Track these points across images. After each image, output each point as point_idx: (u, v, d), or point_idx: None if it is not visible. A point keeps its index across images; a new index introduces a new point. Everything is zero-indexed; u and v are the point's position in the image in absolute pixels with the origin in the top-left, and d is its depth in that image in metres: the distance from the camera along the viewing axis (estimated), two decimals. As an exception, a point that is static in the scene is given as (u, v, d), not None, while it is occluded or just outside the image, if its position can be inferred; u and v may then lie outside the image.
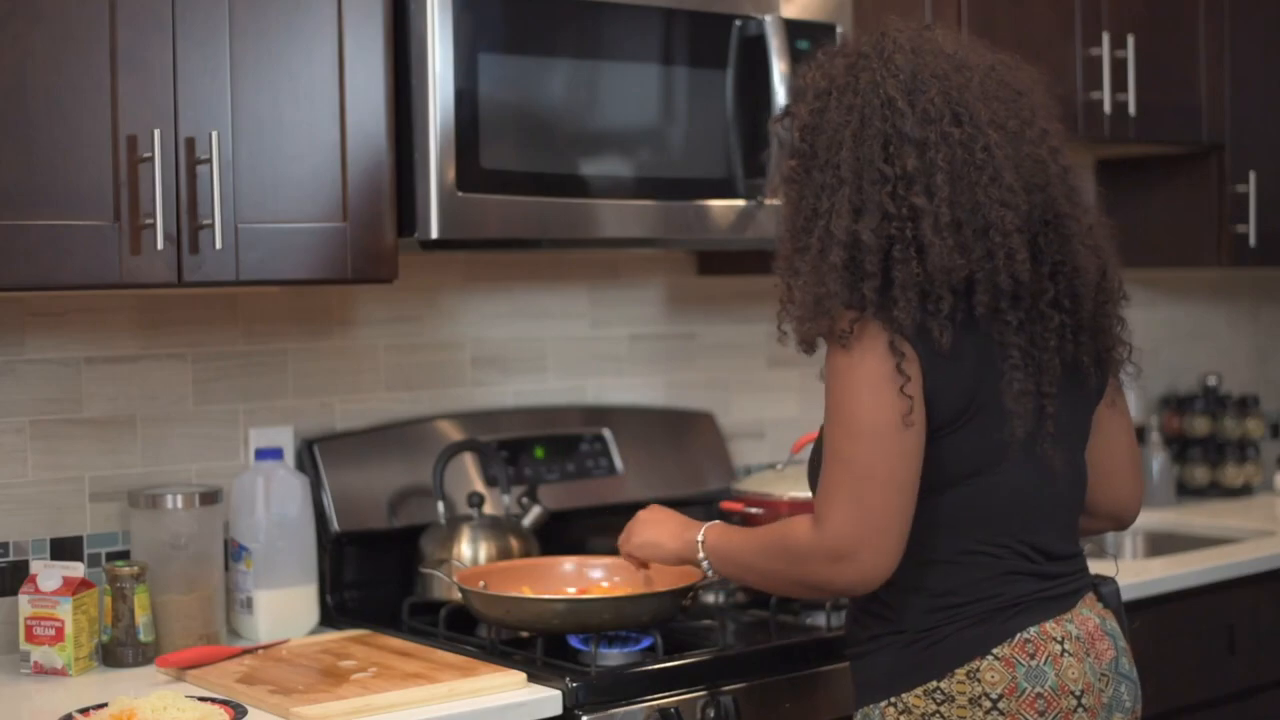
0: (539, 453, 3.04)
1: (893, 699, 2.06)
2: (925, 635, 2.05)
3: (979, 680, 2.02)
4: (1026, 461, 2.05)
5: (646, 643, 2.52)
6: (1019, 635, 2.04)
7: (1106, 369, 2.15)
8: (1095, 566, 2.24)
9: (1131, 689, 2.14)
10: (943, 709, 2.02)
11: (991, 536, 2.06)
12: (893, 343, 1.98)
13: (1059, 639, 2.05)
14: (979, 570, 2.05)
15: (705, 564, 2.25)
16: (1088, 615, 2.11)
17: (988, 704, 2.01)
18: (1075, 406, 2.12)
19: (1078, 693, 2.04)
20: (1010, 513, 2.07)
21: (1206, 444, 4.09)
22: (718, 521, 2.28)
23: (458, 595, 2.58)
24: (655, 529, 2.36)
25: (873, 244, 1.98)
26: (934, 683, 2.03)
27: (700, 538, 2.25)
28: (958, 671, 2.03)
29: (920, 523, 2.01)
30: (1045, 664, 2.03)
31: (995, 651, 2.03)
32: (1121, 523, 2.31)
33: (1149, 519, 3.77)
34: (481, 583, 2.57)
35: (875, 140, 2.00)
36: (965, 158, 1.99)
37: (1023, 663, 2.03)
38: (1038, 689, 2.02)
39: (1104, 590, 2.20)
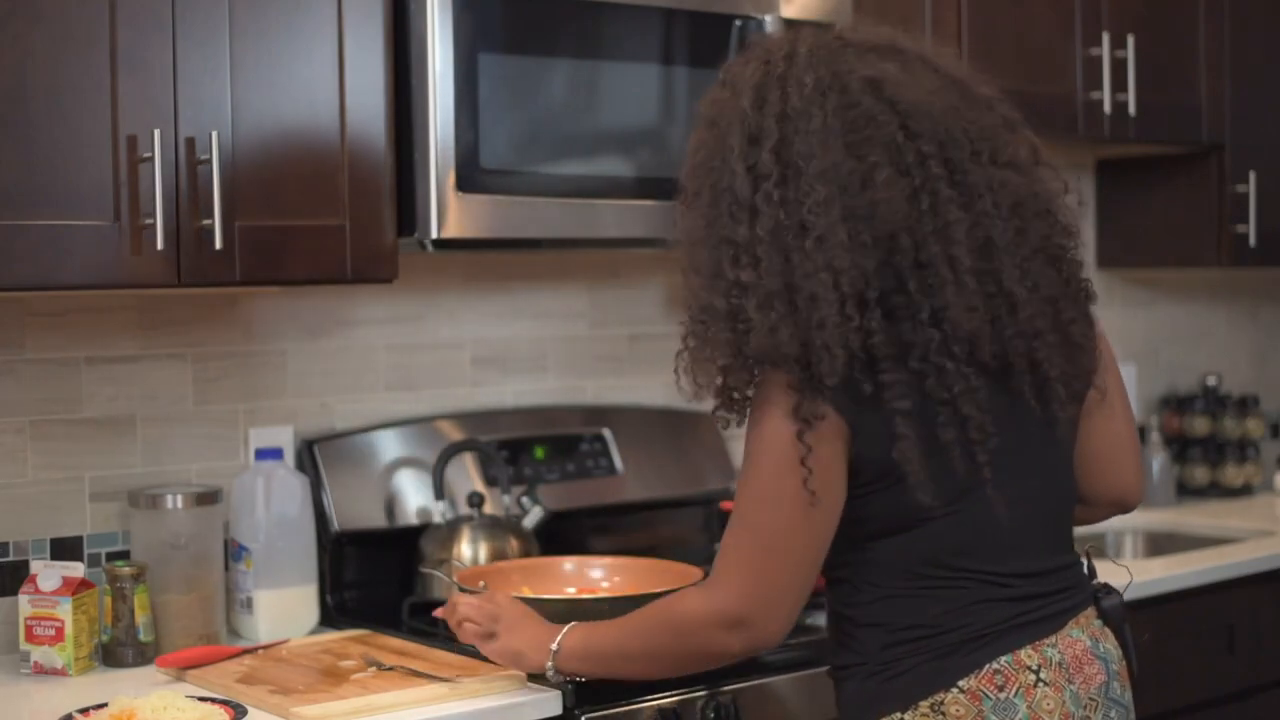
0: (539, 453, 3.04)
1: None
2: (887, 667, 1.98)
3: (943, 714, 1.94)
4: (974, 505, 1.94)
5: (646, 643, 2.52)
6: (988, 666, 1.94)
7: (1050, 391, 1.98)
8: (1106, 573, 2.16)
9: (1122, 714, 2.03)
10: None
11: (950, 572, 1.96)
12: (799, 406, 1.88)
13: (1034, 668, 1.95)
14: (940, 603, 1.96)
15: (551, 672, 2.18)
16: (1077, 638, 2.00)
17: None
18: (1031, 432, 1.99)
19: None
20: (968, 549, 1.96)
21: (1206, 444, 4.09)
22: (575, 623, 2.19)
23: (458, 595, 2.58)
24: (516, 635, 2.23)
25: (724, 310, 1.92)
26: (898, 714, 1.96)
27: (555, 646, 2.16)
28: (921, 704, 1.95)
29: (871, 562, 1.97)
30: (1016, 696, 1.93)
31: (960, 684, 1.94)
32: (1125, 508, 2.21)
33: (1149, 519, 3.77)
34: (481, 583, 2.57)
35: (721, 199, 1.92)
36: (787, 223, 1.87)
37: (990, 695, 1.93)
38: None
39: (1105, 605, 2.08)
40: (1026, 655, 1.95)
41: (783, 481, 1.91)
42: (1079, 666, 1.98)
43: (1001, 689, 1.94)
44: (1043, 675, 1.95)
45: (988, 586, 1.97)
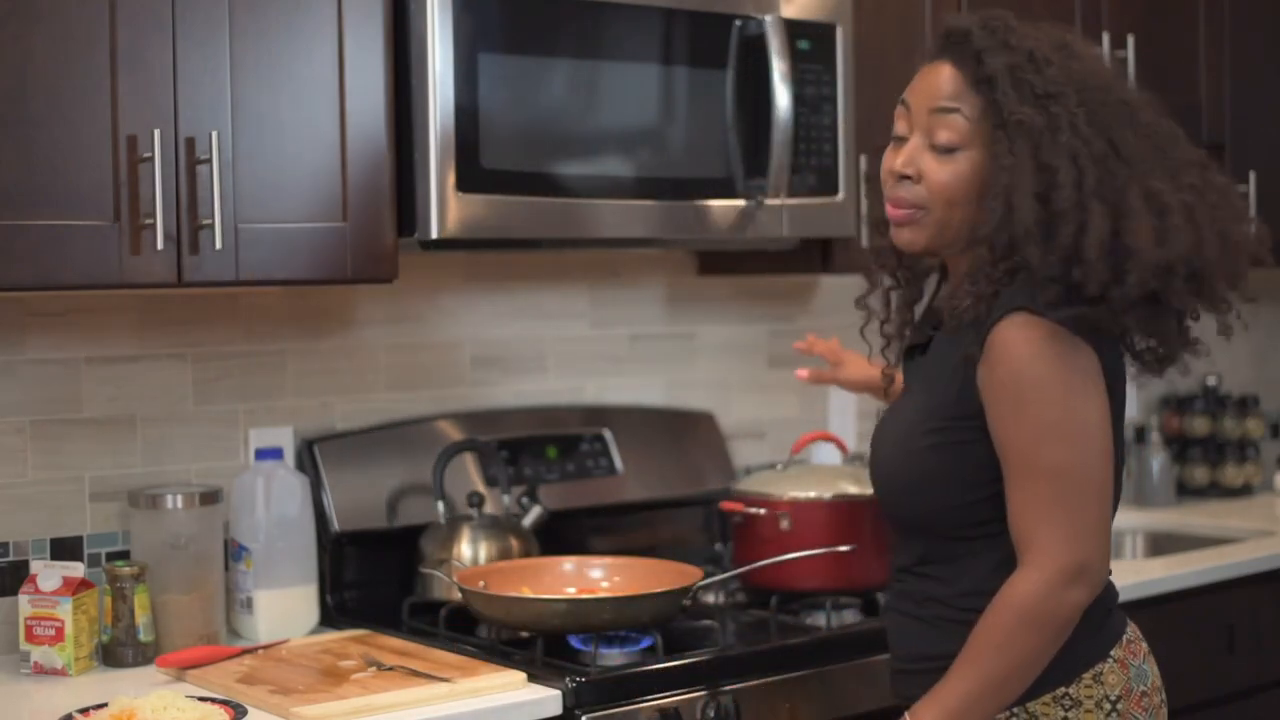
0: (539, 453, 3.03)
1: (1015, 708, 2.00)
2: None
3: (1103, 683, 2.01)
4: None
5: (646, 643, 2.52)
6: (1123, 636, 2.05)
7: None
8: None
9: None
10: (1070, 714, 2.00)
11: None
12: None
13: (1142, 638, 2.08)
14: None
15: None
16: None
17: (1108, 706, 2.00)
18: None
19: (1162, 688, 2.07)
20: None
21: (1206, 444, 4.09)
22: (917, 706, 2.04)
23: (458, 595, 2.58)
24: None
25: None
26: (1063, 689, 2.00)
27: None
28: (1084, 676, 2.00)
29: None
30: (1144, 662, 2.06)
31: (1113, 653, 2.02)
32: None
33: (1149, 519, 3.77)
34: (481, 583, 2.57)
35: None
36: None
37: (1132, 663, 2.04)
38: (1142, 688, 2.03)
39: None
40: (1134, 627, 2.08)
41: (1077, 414, 1.93)
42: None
43: (1135, 655, 2.04)
44: (1146, 645, 2.08)
45: None
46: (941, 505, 2.04)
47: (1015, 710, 2.00)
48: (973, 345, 1.97)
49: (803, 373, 2.83)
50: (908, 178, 2.04)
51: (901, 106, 2.08)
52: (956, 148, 2.01)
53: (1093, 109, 1.96)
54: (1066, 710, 2.00)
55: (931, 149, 2.03)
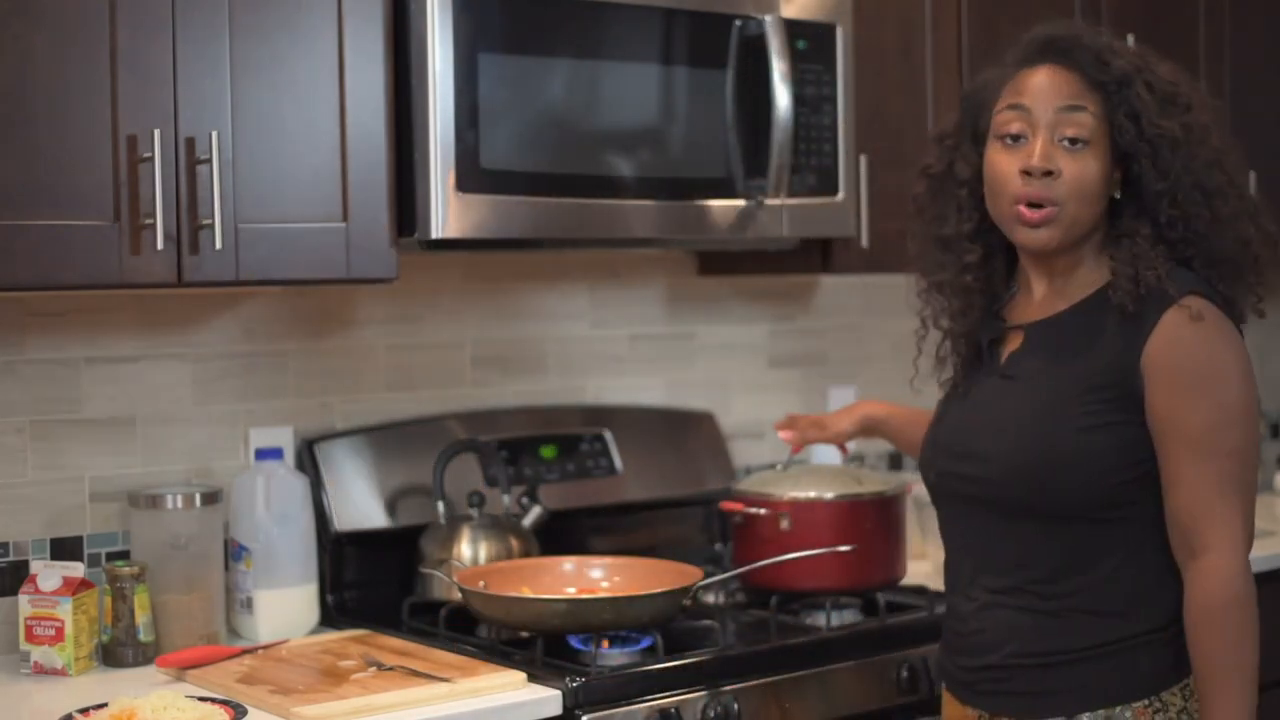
0: (539, 453, 3.03)
1: (1149, 699, 2.03)
2: (1180, 633, 2.04)
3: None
4: None
5: (646, 643, 2.52)
6: None
7: None
8: None
9: None
10: (1190, 704, 2.03)
11: None
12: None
13: None
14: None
15: None
16: None
17: None
18: None
19: None
20: None
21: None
22: None
23: (458, 595, 2.58)
24: None
25: None
26: (1188, 680, 2.04)
27: None
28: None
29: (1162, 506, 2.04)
30: None
31: None
32: None
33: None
34: (481, 583, 2.57)
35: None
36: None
37: None
38: None
39: None
40: None
41: (1248, 397, 2.01)
42: None
43: None
44: None
45: None
46: (1088, 487, 2.04)
47: (1150, 701, 2.03)
48: (1142, 327, 2.02)
49: (787, 436, 2.81)
50: (1049, 173, 2.07)
51: (1015, 110, 2.11)
52: (1086, 142, 2.08)
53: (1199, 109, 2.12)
54: (1186, 700, 2.04)
55: (1060, 145, 2.08)
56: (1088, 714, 2.04)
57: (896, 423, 2.69)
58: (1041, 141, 2.08)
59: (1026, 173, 2.08)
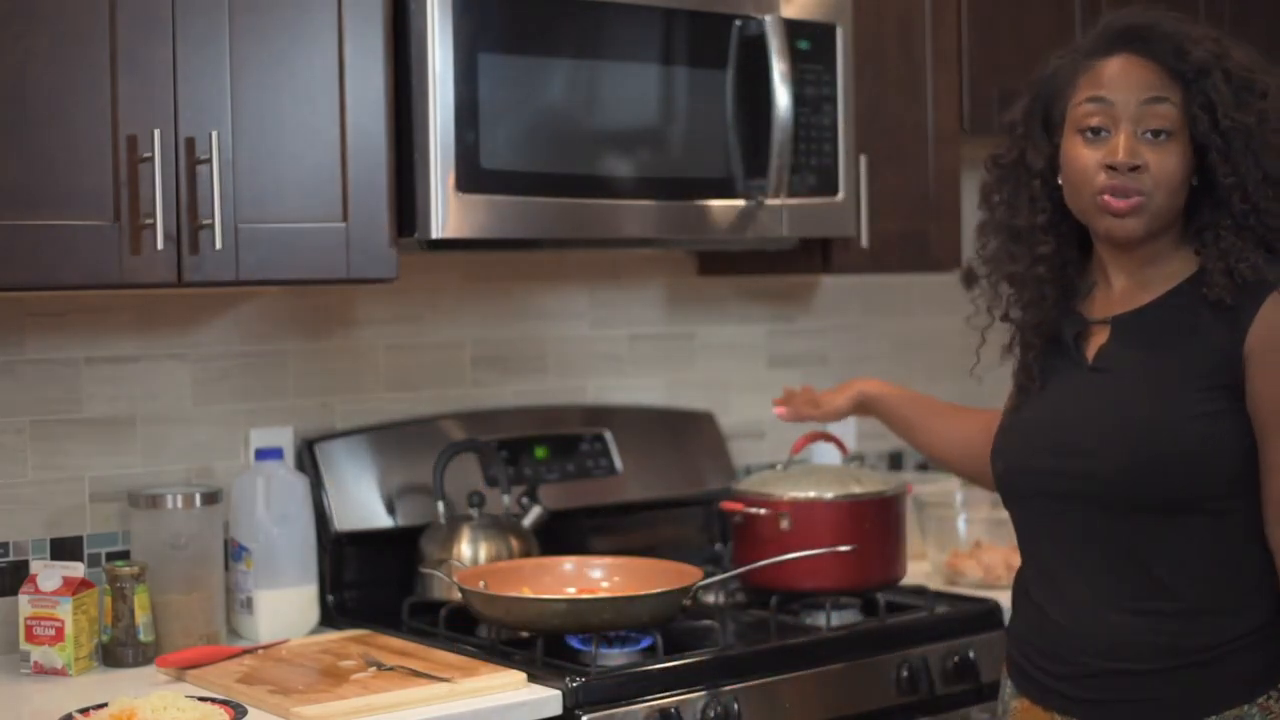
0: (539, 453, 3.04)
1: (1272, 690, 2.00)
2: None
3: None
4: None
5: (646, 643, 2.52)
6: None
7: None
8: None
9: None
10: None
11: None
12: None
13: None
14: None
15: None
16: None
17: None
18: None
19: None
20: None
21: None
22: None
23: (458, 595, 2.58)
24: None
25: None
26: None
27: None
28: None
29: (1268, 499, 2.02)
30: None
31: None
32: None
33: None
34: (481, 583, 2.57)
35: None
36: None
37: None
38: None
39: None
40: None
41: None
42: None
43: None
44: None
45: None
46: (1210, 476, 2.01)
47: (1271, 693, 2.00)
48: (1241, 316, 2.01)
49: (781, 410, 2.77)
50: (1136, 168, 2.04)
51: (1096, 103, 2.07)
52: (1169, 134, 2.05)
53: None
54: None
55: (1144, 138, 2.05)
56: (1228, 712, 2.00)
57: (891, 401, 2.65)
58: (1125, 136, 2.05)
59: (1111, 167, 2.05)
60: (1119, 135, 2.05)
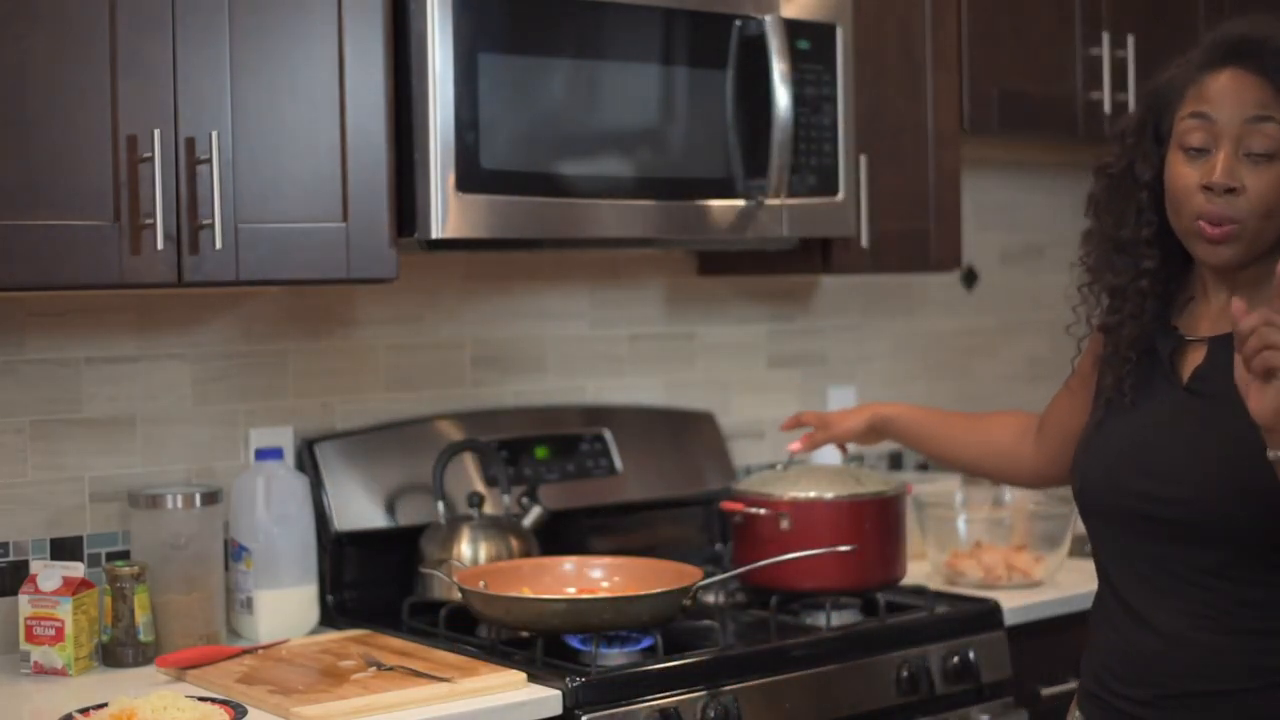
0: (539, 453, 3.04)
1: None
2: None
3: None
4: None
5: (646, 643, 2.52)
6: None
7: None
8: None
9: None
10: None
11: None
12: None
13: None
14: None
15: None
16: None
17: None
18: None
19: None
20: None
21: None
22: None
23: (458, 595, 2.58)
24: None
25: None
26: None
27: None
28: None
29: None
30: None
31: None
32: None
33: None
34: (481, 583, 2.57)
35: None
36: None
37: None
38: None
39: None
40: None
41: None
42: None
43: None
44: None
45: None
46: None
47: None
48: None
49: (795, 445, 2.84)
50: (1231, 190, 1.98)
51: (1199, 120, 2.01)
52: (1273, 156, 1.98)
53: None
54: None
55: (1246, 159, 1.99)
56: None
57: (904, 421, 2.66)
58: (1224, 156, 1.98)
59: (1208, 188, 1.99)
60: (1219, 155, 1.99)
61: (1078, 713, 2.16)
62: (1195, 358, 2.07)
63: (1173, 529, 2.00)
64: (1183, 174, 2.02)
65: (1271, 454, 1.85)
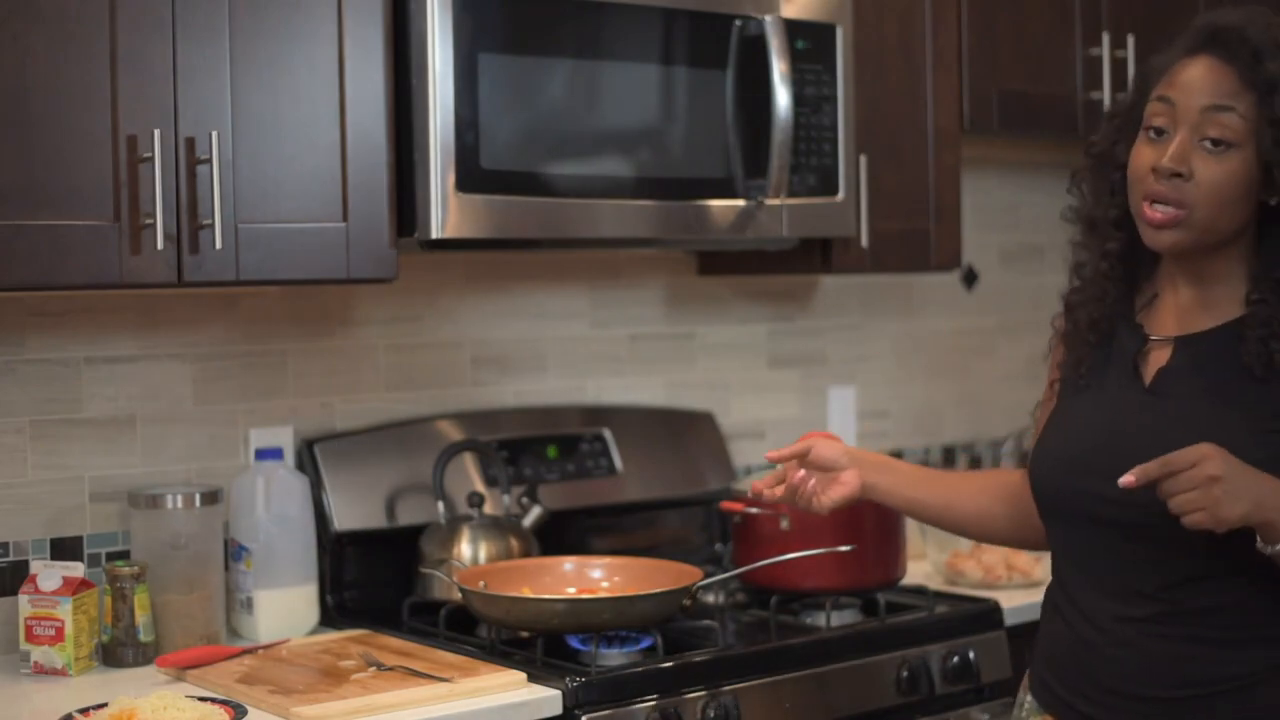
0: (539, 453, 3.03)
1: None
2: None
3: None
4: None
5: (646, 643, 2.52)
6: None
7: None
8: None
9: None
10: None
11: None
12: None
13: None
14: None
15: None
16: None
17: None
18: None
19: None
20: None
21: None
22: None
23: (458, 595, 2.58)
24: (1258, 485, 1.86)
25: None
26: None
27: None
28: None
29: None
30: None
31: None
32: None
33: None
34: (481, 583, 2.57)
35: None
36: None
37: None
38: None
39: None
40: None
41: None
42: None
43: None
44: None
45: None
46: None
47: None
48: None
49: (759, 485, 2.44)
50: (1179, 175, 1.95)
51: (1162, 103, 1.99)
52: (1231, 145, 1.95)
53: None
54: None
55: (1202, 146, 1.95)
56: None
57: (889, 486, 2.32)
58: (1179, 141, 1.96)
59: (1156, 170, 1.96)
60: (1175, 139, 1.96)
61: (1029, 698, 2.13)
62: (1160, 358, 2.04)
63: (1130, 533, 1.98)
64: (1139, 153, 2.01)
65: (1268, 549, 1.87)
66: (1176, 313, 2.06)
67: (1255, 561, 1.91)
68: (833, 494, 2.27)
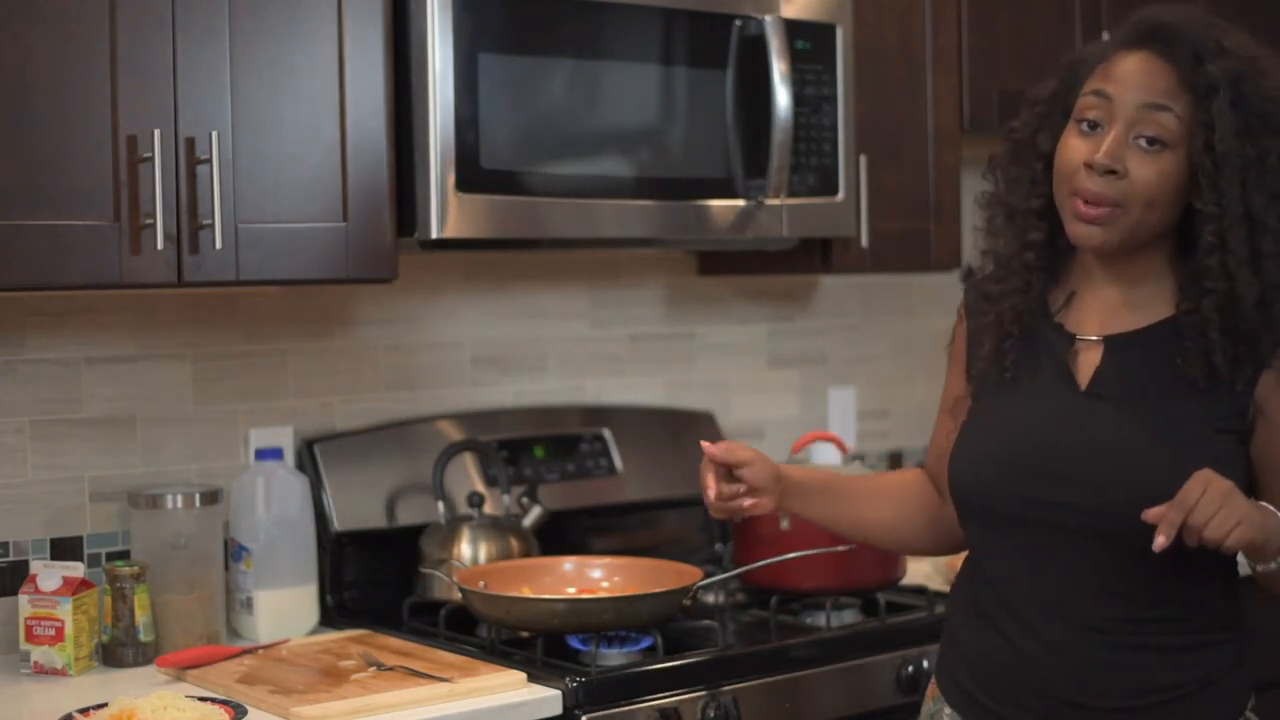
0: (539, 453, 3.04)
1: (1241, 718, 1.97)
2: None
3: None
4: None
5: (646, 643, 2.52)
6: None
7: None
8: None
9: None
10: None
11: None
12: None
13: None
14: None
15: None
16: None
17: None
18: None
19: None
20: None
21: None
22: None
23: (458, 595, 2.58)
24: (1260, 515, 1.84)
25: None
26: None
27: None
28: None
29: None
30: None
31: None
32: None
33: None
34: (481, 583, 2.57)
35: None
36: None
37: None
38: None
39: None
40: None
41: None
42: None
43: None
44: None
45: None
46: None
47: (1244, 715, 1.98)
48: (1248, 367, 1.91)
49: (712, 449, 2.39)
50: (1112, 172, 1.91)
51: (1098, 97, 1.95)
52: (1165, 145, 1.91)
53: None
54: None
55: (1136, 144, 1.92)
56: None
57: (797, 508, 2.29)
58: (1113, 136, 1.91)
59: (1089, 166, 1.92)
60: (1109, 134, 1.92)
61: (949, 710, 2.07)
62: (1092, 358, 2.00)
63: (1073, 537, 1.94)
64: (1071, 146, 1.96)
65: (1261, 567, 1.87)
66: (1100, 311, 2.02)
67: (1202, 568, 1.90)
68: (750, 509, 2.24)
